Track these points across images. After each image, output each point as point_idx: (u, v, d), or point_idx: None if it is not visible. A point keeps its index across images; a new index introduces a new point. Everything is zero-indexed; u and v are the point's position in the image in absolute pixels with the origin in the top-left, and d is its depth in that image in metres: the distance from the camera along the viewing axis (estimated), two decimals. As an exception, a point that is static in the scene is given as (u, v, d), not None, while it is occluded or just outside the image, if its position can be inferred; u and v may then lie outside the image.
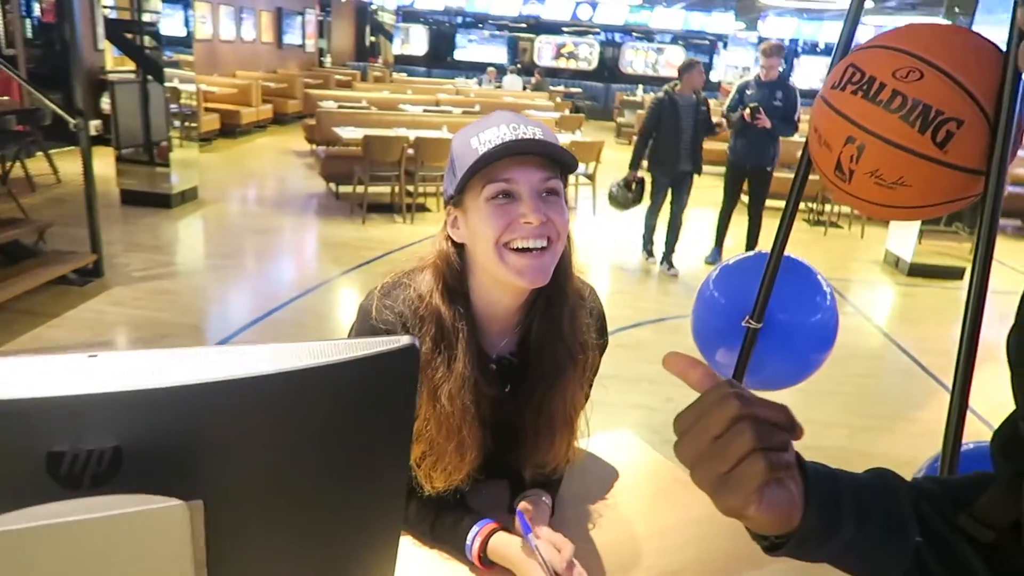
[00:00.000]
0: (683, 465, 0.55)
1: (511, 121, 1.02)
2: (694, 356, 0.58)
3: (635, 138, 5.89)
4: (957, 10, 6.47)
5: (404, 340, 0.70)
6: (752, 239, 5.88)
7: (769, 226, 5.66)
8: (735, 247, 6.08)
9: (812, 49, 18.99)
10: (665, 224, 5.69)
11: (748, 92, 5.55)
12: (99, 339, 3.92)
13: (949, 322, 5.52)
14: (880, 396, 4.00)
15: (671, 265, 5.71)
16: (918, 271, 6.18)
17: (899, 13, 14.31)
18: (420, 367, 1.05)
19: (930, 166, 0.97)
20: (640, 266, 5.74)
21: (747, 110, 5.32)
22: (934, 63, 0.96)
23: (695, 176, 5.53)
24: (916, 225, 6.12)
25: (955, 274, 6.19)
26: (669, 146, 5.33)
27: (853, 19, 1.22)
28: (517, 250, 1.00)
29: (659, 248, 5.82)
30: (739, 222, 5.97)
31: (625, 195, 5.44)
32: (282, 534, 0.70)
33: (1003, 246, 7.07)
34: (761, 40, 17.86)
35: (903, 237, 6.34)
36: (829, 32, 18.26)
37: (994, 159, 0.95)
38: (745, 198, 5.90)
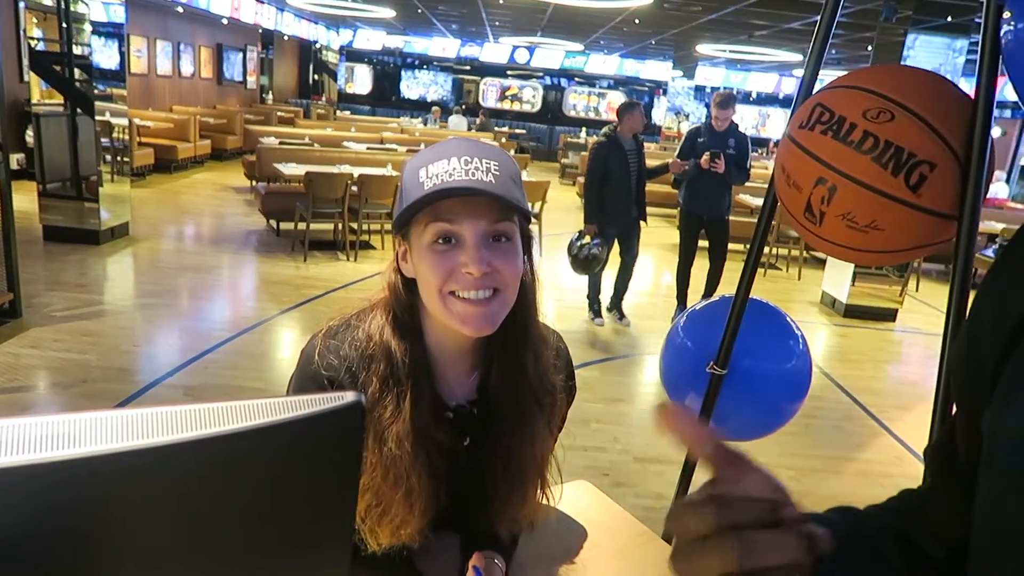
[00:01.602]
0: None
1: (464, 153, 0.93)
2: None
3: (579, 179, 5.66)
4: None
5: (348, 397, 0.61)
6: (711, 288, 5.64)
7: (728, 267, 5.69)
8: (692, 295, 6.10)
9: (745, 98, 19.82)
10: (612, 275, 5.40)
11: (700, 140, 5.34)
12: (12, 384, 3.64)
13: (884, 363, 5.67)
14: (823, 437, 4.02)
15: (622, 315, 5.48)
16: (853, 312, 6.35)
17: (825, 67, 15.07)
18: (367, 409, 0.96)
19: (904, 210, 0.95)
20: (587, 306, 5.66)
21: (704, 156, 5.12)
22: (904, 104, 0.94)
23: (640, 223, 5.27)
24: (850, 267, 6.32)
25: (887, 316, 6.39)
26: (620, 193, 5.03)
27: (816, 58, 1.21)
28: (461, 298, 0.93)
29: (604, 300, 5.53)
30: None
31: (598, 250, 4.93)
32: (201, 626, 0.60)
33: (929, 289, 7.30)
34: (698, 88, 18.60)
35: (838, 279, 6.52)
36: (754, 82, 19.08)
37: (967, 204, 0.93)
38: (703, 242, 5.66)
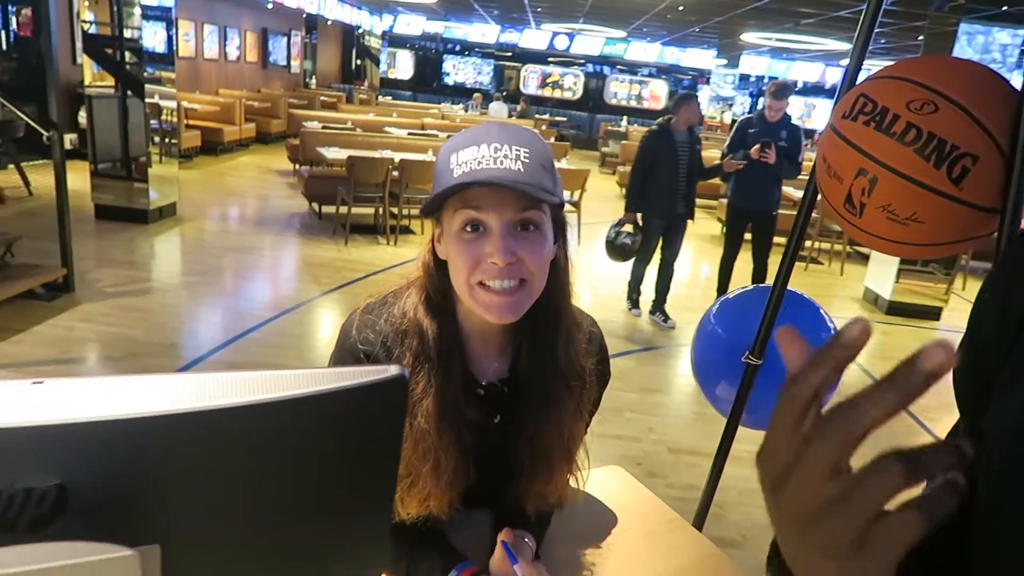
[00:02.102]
0: (792, 515, 0.40)
1: (495, 140, 0.94)
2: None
3: (620, 168, 5.56)
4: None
5: (393, 370, 0.63)
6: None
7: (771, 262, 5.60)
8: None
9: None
10: (654, 272, 5.27)
11: (750, 130, 5.12)
12: (65, 356, 3.79)
13: (927, 360, 5.53)
14: (861, 433, 3.97)
15: (667, 317, 5.29)
16: (896, 310, 6.21)
17: (873, 57, 14.69)
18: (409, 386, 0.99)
19: (944, 202, 0.94)
20: (624, 295, 5.65)
21: (754, 148, 4.94)
22: (949, 96, 0.93)
23: (687, 221, 5.10)
24: (895, 263, 6.18)
25: (932, 314, 6.24)
26: (666, 186, 4.87)
27: (862, 48, 1.20)
28: (487, 287, 0.96)
29: (646, 299, 5.42)
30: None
31: (631, 240, 4.85)
32: (250, 581, 0.63)
33: (976, 288, 7.19)
34: (743, 77, 18.27)
35: (882, 275, 6.38)
36: (798, 71, 18.63)
37: (1009, 198, 0.92)
38: (739, 234, 5.51)
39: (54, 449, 0.50)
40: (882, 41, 12.66)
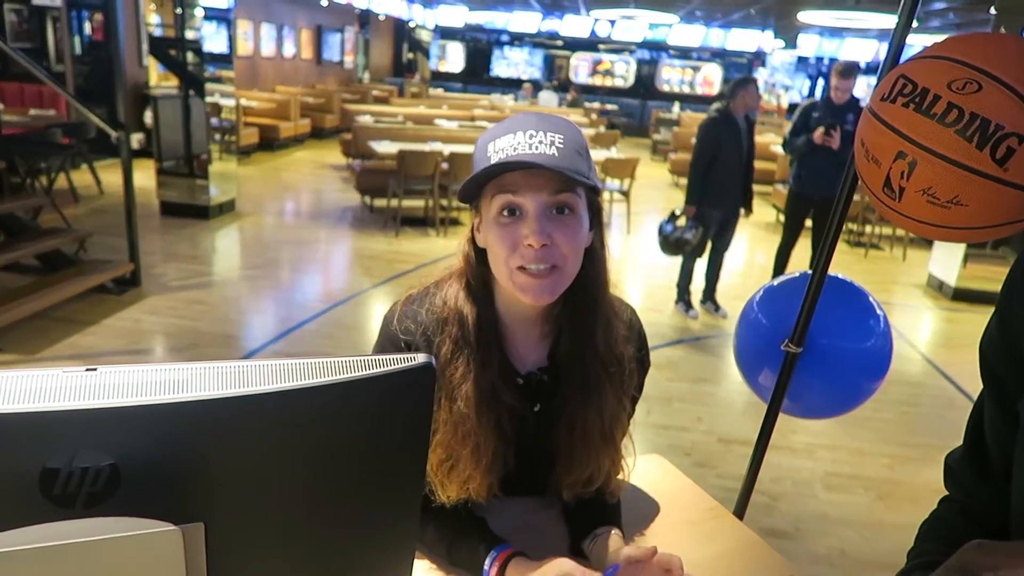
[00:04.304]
0: None
1: (531, 127, 0.98)
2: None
3: (671, 155, 5.39)
4: (1003, 30, 6.28)
5: (420, 358, 0.66)
6: None
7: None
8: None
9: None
10: (702, 263, 5.12)
11: (815, 115, 4.93)
12: (134, 347, 3.97)
13: (996, 349, 5.31)
14: (922, 425, 3.85)
15: (718, 306, 5.20)
16: (962, 296, 5.98)
17: (942, 32, 14.05)
18: (440, 370, 1.03)
19: (989, 184, 0.91)
20: (676, 292, 5.53)
21: (818, 131, 4.77)
22: (994, 74, 0.90)
23: (741, 213, 4.94)
24: (961, 249, 5.94)
25: (1002, 299, 5.97)
26: (728, 176, 4.71)
27: (904, 27, 1.16)
28: (524, 270, 0.98)
29: (695, 288, 5.22)
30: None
31: (691, 235, 4.67)
32: (289, 558, 0.67)
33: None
34: (801, 59, 17.71)
35: (947, 261, 6.15)
36: (850, 49, 17.82)
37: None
38: (799, 221, 5.32)
39: (107, 431, 0.54)
40: (950, 16, 12.10)
